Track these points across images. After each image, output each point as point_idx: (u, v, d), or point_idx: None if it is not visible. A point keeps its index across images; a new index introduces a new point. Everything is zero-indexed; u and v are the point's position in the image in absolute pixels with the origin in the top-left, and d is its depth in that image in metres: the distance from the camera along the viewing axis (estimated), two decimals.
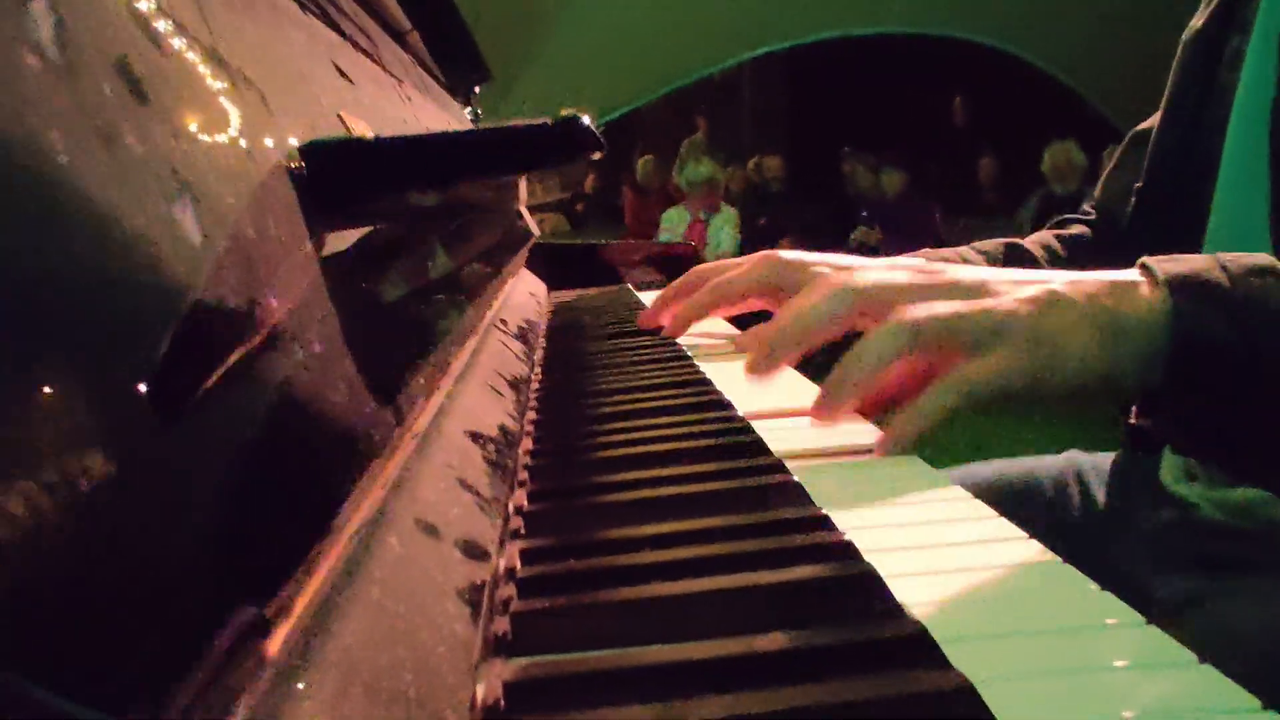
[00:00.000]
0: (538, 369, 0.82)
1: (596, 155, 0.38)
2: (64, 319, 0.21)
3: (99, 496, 0.19)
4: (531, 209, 1.47)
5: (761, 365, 0.59)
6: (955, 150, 7.04)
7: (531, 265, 1.42)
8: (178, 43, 0.32)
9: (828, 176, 6.70)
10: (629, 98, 6.73)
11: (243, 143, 0.33)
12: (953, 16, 6.55)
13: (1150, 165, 0.90)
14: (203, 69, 0.33)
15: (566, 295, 1.42)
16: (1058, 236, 0.98)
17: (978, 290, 0.54)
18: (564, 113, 0.36)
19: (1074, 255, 0.95)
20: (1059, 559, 0.39)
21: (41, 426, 0.19)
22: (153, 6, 0.31)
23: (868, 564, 0.36)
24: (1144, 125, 0.96)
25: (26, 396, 0.18)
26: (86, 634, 0.17)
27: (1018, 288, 0.54)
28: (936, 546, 0.41)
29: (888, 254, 0.76)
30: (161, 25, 0.31)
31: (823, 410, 0.55)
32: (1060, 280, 0.55)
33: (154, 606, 0.19)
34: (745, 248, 5.74)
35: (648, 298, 1.30)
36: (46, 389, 0.19)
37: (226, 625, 0.20)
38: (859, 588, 0.35)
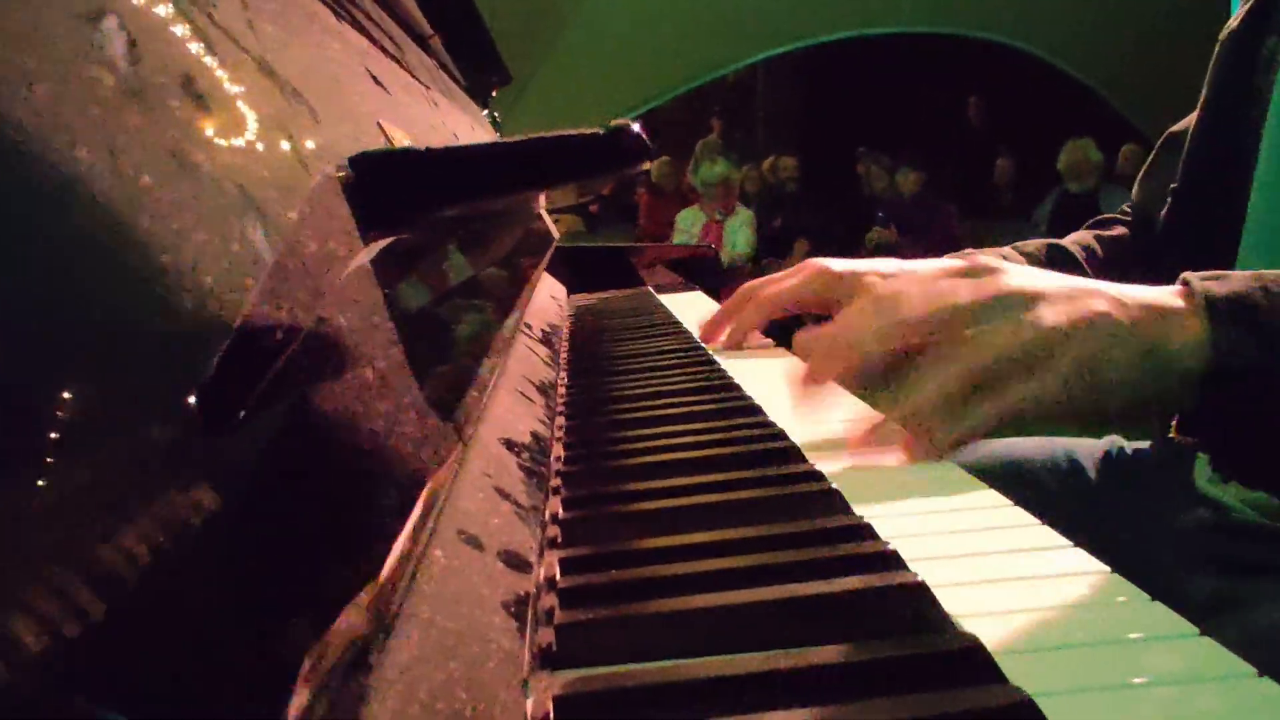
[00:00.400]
0: (563, 372, 0.81)
1: (646, 165, 0.38)
2: (122, 330, 0.21)
3: (155, 514, 0.19)
4: (548, 211, 1.46)
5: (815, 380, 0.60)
6: (971, 150, 7.01)
7: (550, 268, 1.42)
8: (232, 58, 0.32)
9: (843, 177, 6.68)
10: (643, 98, 6.74)
11: (292, 154, 0.32)
12: (967, 15, 6.53)
13: (1186, 168, 0.89)
14: (255, 83, 0.32)
15: (586, 299, 1.42)
16: (1098, 237, 0.98)
17: (1034, 300, 0.55)
18: (614, 122, 0.35)
19: (1113, 256, 0.95)
20: (1107, 568, 0.38)
21: (106, 441, 0.18)
22: (209, 24, 0.31)
23: (915, 574, 0.36)
24: (1179, 126, 0.95)
25: (105, 411, 0.18)
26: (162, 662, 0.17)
27: (1071, 304, 0.55)
28: (976, 555, 0.41)
29: (904, 255, 0.75)
30: (217, 42, 0.31)
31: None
32: (1108, 298, 0.55)
33: (220, 632, 0.19)
34: (760, 249, 5.74)
35: (668, 300, 1.30)
36: (116, 402, 0.19)
37: (326, 648, 0.19)
38: (908, 599, 0.34)
